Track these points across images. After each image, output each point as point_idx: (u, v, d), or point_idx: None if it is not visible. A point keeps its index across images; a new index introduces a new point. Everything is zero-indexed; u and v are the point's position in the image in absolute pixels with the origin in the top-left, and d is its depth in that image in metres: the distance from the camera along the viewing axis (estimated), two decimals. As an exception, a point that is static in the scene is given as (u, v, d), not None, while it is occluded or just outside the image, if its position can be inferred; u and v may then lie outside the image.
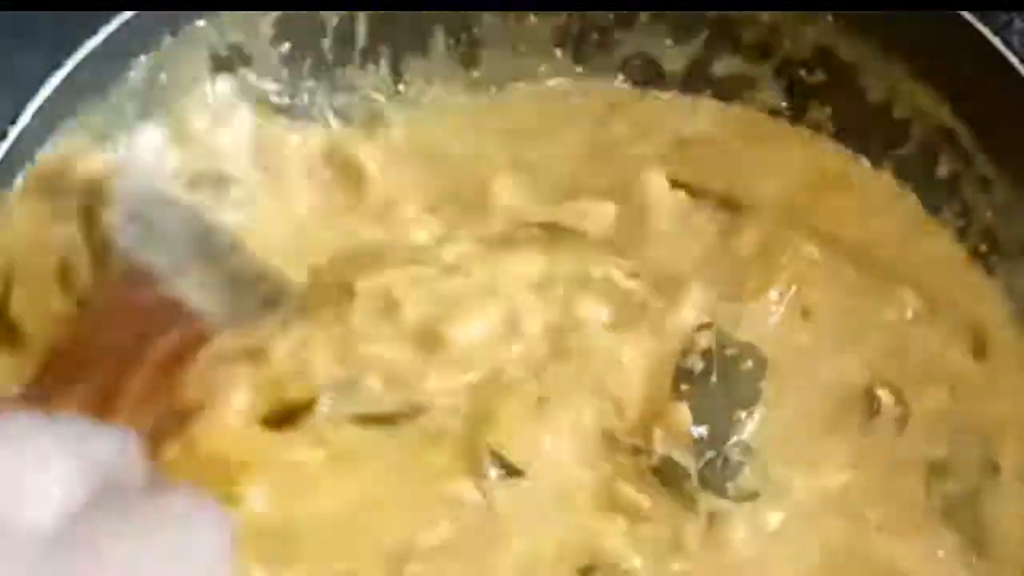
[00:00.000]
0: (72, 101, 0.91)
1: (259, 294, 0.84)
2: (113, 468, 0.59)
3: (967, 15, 0.90)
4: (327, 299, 0.86)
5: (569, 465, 0.84)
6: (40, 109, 0.88)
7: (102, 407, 0.72)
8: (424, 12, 0.99)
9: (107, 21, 0.91)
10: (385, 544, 0.81)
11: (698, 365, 0.87)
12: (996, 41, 0.89)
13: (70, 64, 0.90)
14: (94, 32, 0.91)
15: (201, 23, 0.96)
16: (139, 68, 0.94)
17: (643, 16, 0.98)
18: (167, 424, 0.77)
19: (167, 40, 0.95)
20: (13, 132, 0.87)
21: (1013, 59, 0.88)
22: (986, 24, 0.89)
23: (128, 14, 0.91)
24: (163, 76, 0.95)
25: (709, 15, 0.98)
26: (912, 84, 0.95)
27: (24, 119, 0.88)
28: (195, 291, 0.80)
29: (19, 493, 0.54)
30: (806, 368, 0.88)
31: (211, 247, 0.84)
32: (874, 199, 0.95)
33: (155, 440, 0.71)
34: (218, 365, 0.80)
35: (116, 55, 0.93)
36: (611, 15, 0.98)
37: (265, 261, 0.86)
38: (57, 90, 0.89)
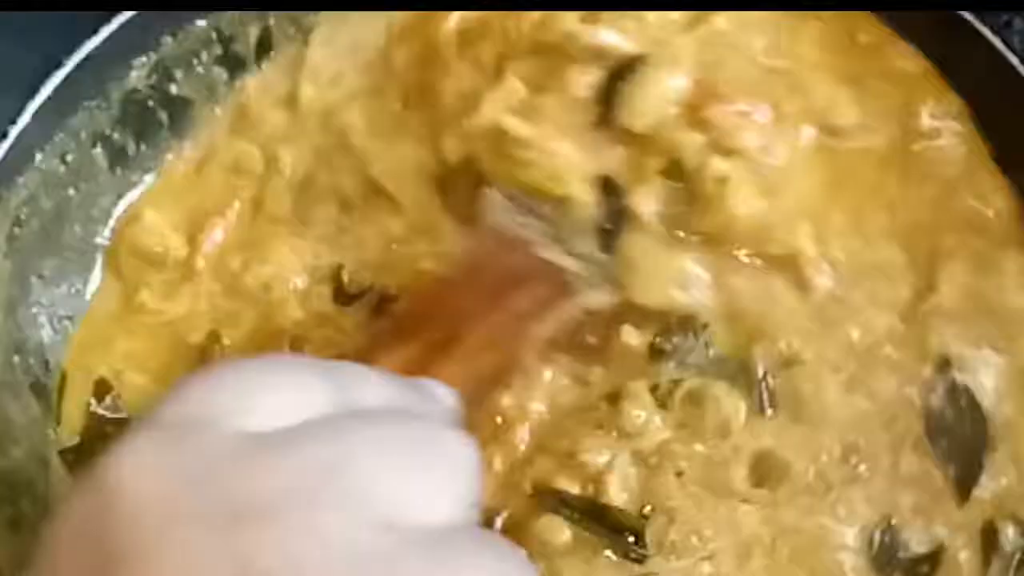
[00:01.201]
0: (72, 101, 0.91)
1: None
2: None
3: (967, 15, 0.90)
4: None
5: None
6: (40, 109, 0.89)
7: (442, 350, 0.72)
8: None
9: (107, 21, 0.91)
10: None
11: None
12: (996, 41, 0.89)
13: (70, 64, 0.90)
14: (94, 32, 0.91)
15: (201, 23, 0.96)
16: (139, 68, 0.95)
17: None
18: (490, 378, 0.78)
19: (167, 40, 0.95)
20: (13, 132, 0.88)
21: (1013, 59, 0.88)
22: (986, 24, 0.89)
23: (128, 14, 0.92)
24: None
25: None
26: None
27: (24, 119, 0.88)
28: (567, 258, 0.82)
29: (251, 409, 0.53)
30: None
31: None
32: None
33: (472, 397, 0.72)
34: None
35: (116, 55, 0.93)
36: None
37: None
38: (57, 90, 0.89)
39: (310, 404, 0.54)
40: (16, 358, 0.90)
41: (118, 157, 0.95)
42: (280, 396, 0.54)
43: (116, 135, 0.95)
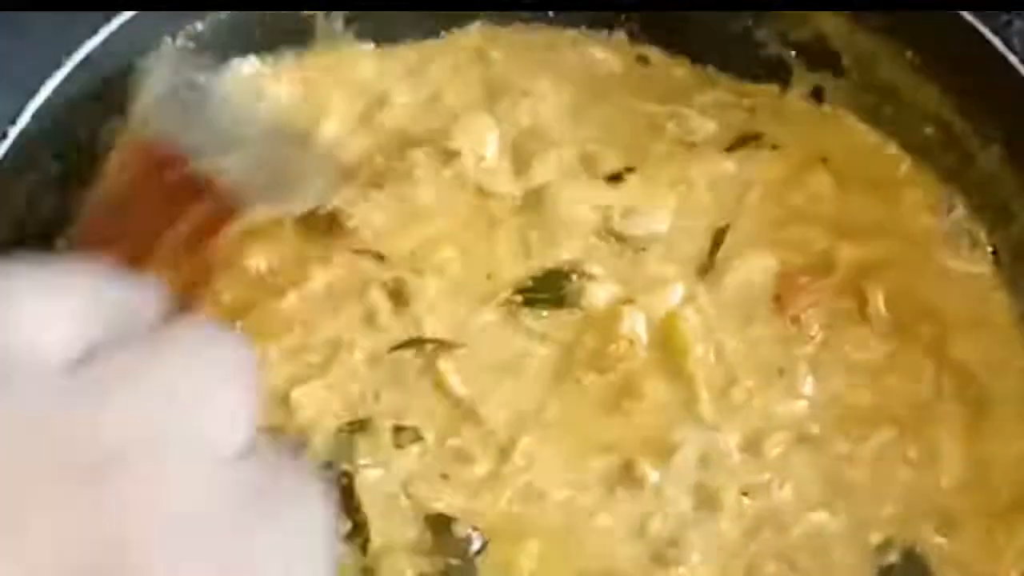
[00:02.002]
0: (72, 101, 0.91)
1: (301, 169, 0.89)
2: (135, 313, 0.53)
3: (967, 15, 0.90)
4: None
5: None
6: (40, 109, 0.89)
7: (131, 267, 0.69)
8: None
9: (107, 21, 0.91)
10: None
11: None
12: (996, 41, 0.89)
13: (70, 64, 0.90)
14: (94, 32, 0.91)
15: (201, 24, 0.96)
16: (139, 68, 0.94)
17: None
18: (194, 283, 0.83)
19: (167, 40, 0.95)
20: (13, 132, 0.87)
21: (1013, 59, 0.88)
22: (986, 24, 0.90)
23: (128, 14, 0.91)
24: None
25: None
26: (914, 83, 0.95)
27: (24, 119, 0.88)
28: (234, 169, 0.84)
29: (18, 321, 0.48)
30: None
31: (247, 128, 0.89)
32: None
33: (183, 300, 0.73)
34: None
35: (116, 55, 0.93)
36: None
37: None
38: (57, 90, 0.89)
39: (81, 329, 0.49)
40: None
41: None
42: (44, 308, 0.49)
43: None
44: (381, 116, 0.97)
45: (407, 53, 1.00)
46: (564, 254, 0.91)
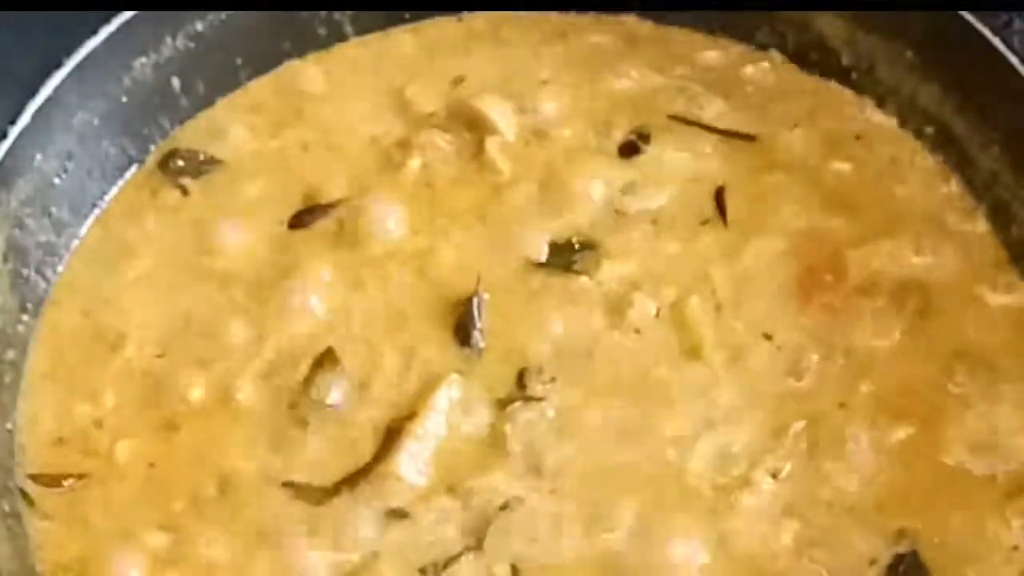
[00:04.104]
0: (72, 101, 0.91)
1: None
2: None
3: (967, 15, 0.90)
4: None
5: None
6: (40, 109, 0.89)
7: None
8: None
9: (107, 21, 0.91)
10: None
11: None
12: (996, 41, 0.89)
13: (70, 64, 0.90)
14: (94, 32, 0.91)
15: (200, 24, 0.97)
16: (139, 68, 0.95)
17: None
18: None
19: (167, 40, 0.95)
20: (13, 132, 0.88)
21: (1013, 59, 0.88)
22: (986, 24, 0.90)
23: (128, 14, 0.92)
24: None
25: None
26: (913, 82, 0.95)
27: (24, 119, 0.88)
28: None
29: None
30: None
31: None
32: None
33: None
34: None
35: (116, 55, 0.93)
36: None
37: None
38: (57, 90, 0.89)
39: None
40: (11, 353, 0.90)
41: (119, 157, 0.96)
42: None
43: (116, 135, 0.95)
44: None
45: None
46: (571, 227, 0.93)
